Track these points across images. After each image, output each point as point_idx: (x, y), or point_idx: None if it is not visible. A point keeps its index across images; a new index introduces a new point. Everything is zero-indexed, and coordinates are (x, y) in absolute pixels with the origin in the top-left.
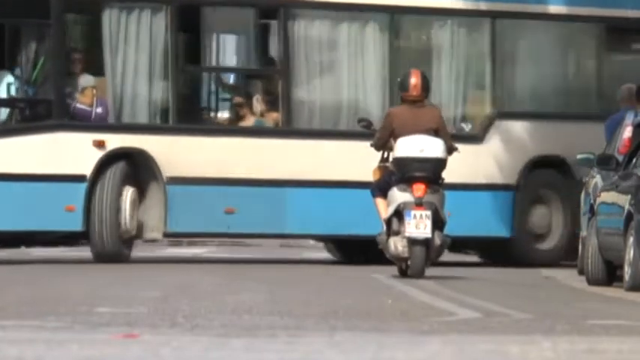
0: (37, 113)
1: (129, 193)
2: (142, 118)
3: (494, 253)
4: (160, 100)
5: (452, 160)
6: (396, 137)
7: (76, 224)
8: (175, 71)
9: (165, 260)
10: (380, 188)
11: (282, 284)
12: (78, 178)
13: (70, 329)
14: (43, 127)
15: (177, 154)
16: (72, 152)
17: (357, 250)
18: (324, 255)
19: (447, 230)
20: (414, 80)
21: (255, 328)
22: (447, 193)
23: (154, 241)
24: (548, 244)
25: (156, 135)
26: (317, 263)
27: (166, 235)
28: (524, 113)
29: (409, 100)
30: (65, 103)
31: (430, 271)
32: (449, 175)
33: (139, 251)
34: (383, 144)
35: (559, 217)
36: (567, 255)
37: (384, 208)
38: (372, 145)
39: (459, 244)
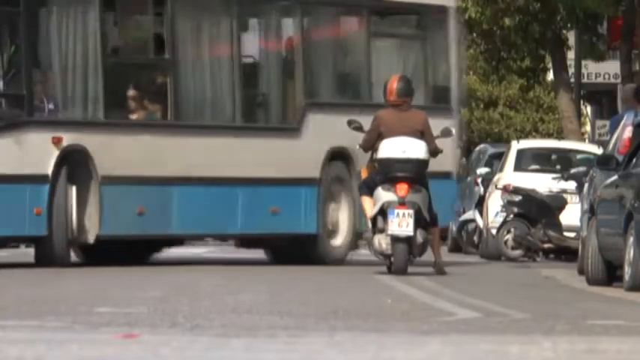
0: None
1: (73, 193)
2: (79, 114)
3: (298, 250)
4: (94, 94)
5: (267, 153)
6: (383, 139)
7: (40, 229)
8: (103, 64)
9: (165, 260)
10: (367, 186)
11: (282, 284)
12: (41, 179)
13: (70, 329)
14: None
15: (110, 151)
16: (35, 151)
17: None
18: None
19: (260, 229)
20: (392, 85)
21: (255, 328)
22: (265, 189)
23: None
24: (338, 241)
25: (92, 131)
26: (317, 263)
27: (101, 238)
28: (326, 104)
29: (394, 104)
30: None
31: (429, 271)
32: (265, 171)
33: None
34: (371, 145)
35: (345, 212)
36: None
37: (369, 207)
38: (360, 147)
39: (250, 243)
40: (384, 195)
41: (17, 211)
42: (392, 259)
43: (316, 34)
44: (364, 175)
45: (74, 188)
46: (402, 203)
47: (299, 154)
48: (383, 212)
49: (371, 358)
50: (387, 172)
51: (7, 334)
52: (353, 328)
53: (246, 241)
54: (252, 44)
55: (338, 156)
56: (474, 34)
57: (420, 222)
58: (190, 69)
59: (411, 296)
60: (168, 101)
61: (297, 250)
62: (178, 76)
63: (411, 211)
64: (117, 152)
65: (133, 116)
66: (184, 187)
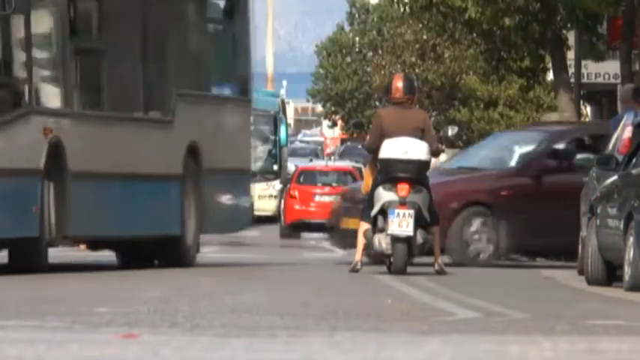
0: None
1: (51, 190)
2: (55, 104)
3: (159, 252)
4: (69, 84)
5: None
6: (385, 137)
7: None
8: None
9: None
10: (368, 210)
11: (282, 284)
12: (34, 173)
13: (70, 329)
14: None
15: (81, 143)
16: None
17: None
18: (324, 255)
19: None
20: (398, 84)
21: (255, 328)
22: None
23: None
24: (188, 242)
25: (67, 122)
26: (317, 263)
27: (66, 239)
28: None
29: (397, 102)
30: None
31: (429, 271)
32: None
33: None
34: (376, 146)
35: (192, 211)
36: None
37: (362, 235)
38: (364, 147)
39: (97, 245)
40: (384, 195)
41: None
42: (392, 259)
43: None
44: (367, 176)
45: (51, 184)
46: (402, 203)
47: (168, 147)
48: (383, 212)
49: (371, 358)
50: (389, 172)
51: (7, 334)
52: (353, 328)
53: (93, 243)
54: (120, 32)
55: (192, 151)
56: (474, 34)
57: (419, 222)
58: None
59: (411, 296)
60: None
61: (158, 252)
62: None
63: (412, 212)
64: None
65: None
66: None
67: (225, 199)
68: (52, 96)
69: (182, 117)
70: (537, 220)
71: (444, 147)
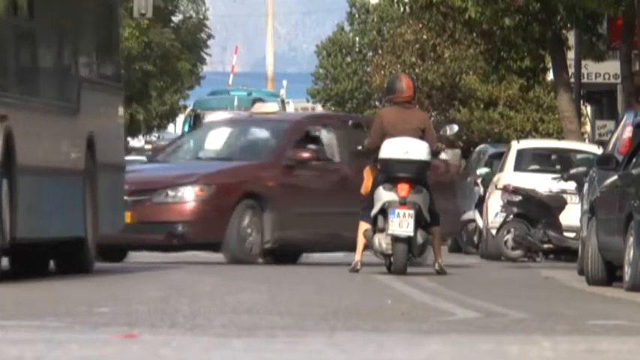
0: None
1: (3, 187)
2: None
3: (60, 256)
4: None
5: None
6: (386, 137)
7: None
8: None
9: (165, 260)
10: (368, 211)
11: (282, 284)
12: None
13: (70, 329)
14: None
15: (29, 132)
16: None
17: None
18: (324, 255)
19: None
20: (405, 83)
21: (255, 328)
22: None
23: None
24: (90, 245)
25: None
26: (317, 263)
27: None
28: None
29: (399, 102)
30: None
31: (429, 271)
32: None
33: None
34: (377, 145)
35: (90, 211)
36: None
37: (361, 236)
38: (365, 147)
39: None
40: (385, 195)
41: None
42: (392, 259)
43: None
44: (367, 176)
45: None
46: (402, 203)
47: (72, 139)
48: (384, 212)
49: (371, 358)
50: (389, 173)
51: (7, 334)
52: (353, 328)
53: None
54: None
55: (90, 144)
56: (474, 34)
57: (420, 222)
58: None
59: (411, 296)
60: None
61: (56, 255)
62: None
63: (412, 212)
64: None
65: None
66: None
67: (111, 197)
68: None
69: (85, 106)
70: (299, 212)
71: (443, 146)
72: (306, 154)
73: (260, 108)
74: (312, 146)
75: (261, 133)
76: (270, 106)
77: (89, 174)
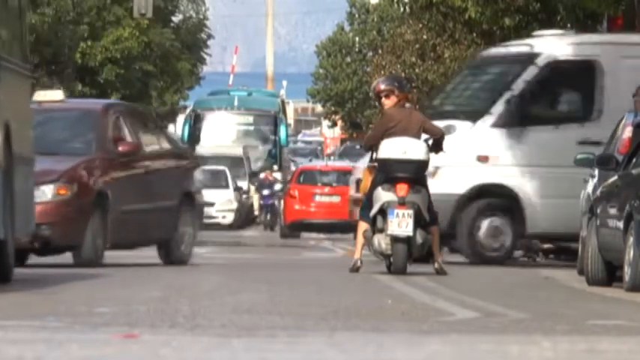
0: None
1: None
2: None
3: None
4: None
5: None
6: (387, 137)
7: None
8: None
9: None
10: (367, 210)
11: (282, 284)
12: None
13: (70, 329)
14: None
15: None
16: None
17: None
18: (324, 255)
19: None
20: (377, 83)
21: (255, 328)
22: None
23: None
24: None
25: None
26: (317, 263)
27: None
28: None
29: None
30: None
31: (429, 271)
32: None
33: (138, 251)
34: (376, 143)
35: (8, 211)
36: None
37: (361, 236)
38: (362, 145)
39: None
40: (384, 195)
41: None
42: (391, 259)
43: None
44: (366, 176)
45: None
46: (401, 203)
47: None
48: (383, 212)
49: (371, 358)
50: (388, 173)
51: (7, 334)
52: (353, 328)
53: None
54: None
55: (6, 135)
56: (474, 34)
57: (419, 222)
58: None
59: (411, 296)
60: None
61: None
62: None
63: (411, 212)
64: None
65: None
66: None
67: (25, 195)
68: None
69: (3, 90)
70: (137, 212)
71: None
72: (128, 147)
73: (44, 96)
74: (129, 138)
75: (67, 124)
76: (55, 94)
77: (7, 168)
